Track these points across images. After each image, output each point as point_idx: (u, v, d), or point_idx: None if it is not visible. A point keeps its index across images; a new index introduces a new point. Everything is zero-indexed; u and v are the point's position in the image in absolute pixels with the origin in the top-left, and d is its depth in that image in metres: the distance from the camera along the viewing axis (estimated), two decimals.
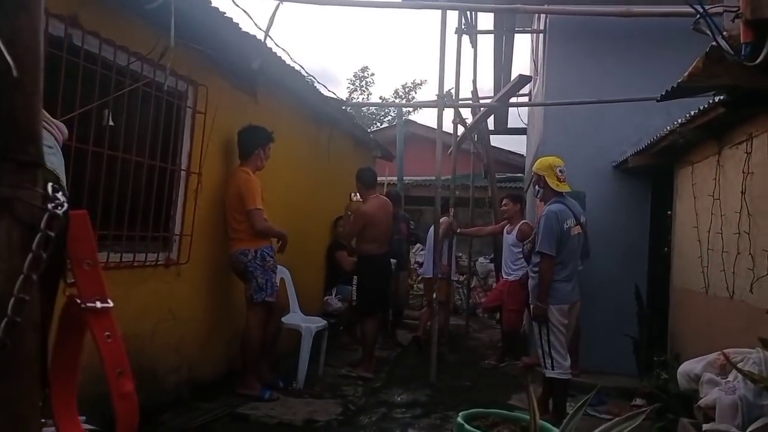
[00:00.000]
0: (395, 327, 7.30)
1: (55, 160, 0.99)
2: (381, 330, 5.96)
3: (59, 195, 0.67)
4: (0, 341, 0.61)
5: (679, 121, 4.42)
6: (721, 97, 3.63)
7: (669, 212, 5.70)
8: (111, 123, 3.35)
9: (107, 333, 0.70)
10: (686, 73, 3.07)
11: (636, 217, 6.19)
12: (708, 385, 2.99)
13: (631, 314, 5.63)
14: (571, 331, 4.46)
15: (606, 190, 6.09)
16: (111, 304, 0.72)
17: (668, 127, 4.71)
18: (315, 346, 5.07)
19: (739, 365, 2.78)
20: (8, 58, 0.61)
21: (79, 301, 0.70)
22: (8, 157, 0.63)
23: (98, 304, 0.70)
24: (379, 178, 10.63)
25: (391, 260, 6.11)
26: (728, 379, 2.89)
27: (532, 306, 4.37)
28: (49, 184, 0.67)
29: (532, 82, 8.01)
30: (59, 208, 0.67)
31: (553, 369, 4.20)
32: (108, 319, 0.71)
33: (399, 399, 4.88)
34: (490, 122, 9.66)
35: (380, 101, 23.61)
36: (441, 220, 5.99)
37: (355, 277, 5.72)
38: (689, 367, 3.27)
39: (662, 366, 4.53)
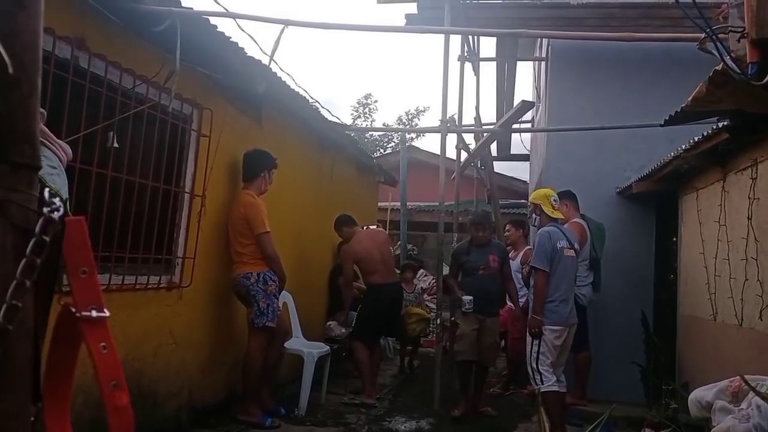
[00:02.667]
0: (413, 355, 7.16)
1: (58, 181, 0.98)
2: (379, 358, 5.86)
3: (55, 200, 0.66)
4: None
5: (683, 147, 4.42)
6: (725, 123, 3.63)
7: (674, 239, 5.65)
8: (116, 145, 3.36)
9: (102, 344, 0.67)
10: (690, 98, 3.07)
11: (641, 243, 6.14)
12: (721, 413, 2.92)
13: (638, 342, 5.54)
14: (565, 355, 4.51)
15: (610, 217, 6.05)
16: (107, 314, 0.69)
17: (672, 153, 4.70)
18: (317, 373, 4.99)
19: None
20: (4, 54, 0.59)
21: (74, 309, 0.68)
22: (3, 158, 0.61)
23: (94, 314, 0.68)
24: (382, 204, 10.66)
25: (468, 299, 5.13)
26: (742, 407, 2.82)
27: (528, 319, 4.53)
28: (46, 189, 0.65)
29: (534, 108, 8.06)
30: (55, 212, 0.65)
31: (542, 383, 4.32)
32: (104, 329, 0.68)
33: (402, 428, 4.77)
34: (493, 148, 9.69)
35: (384, 127, 23.77)
36: (525, 249, 6.09)
37: (360, 305, 5.71)
38: (700, 394, 3.20)
39: (671, 395, 4.44)
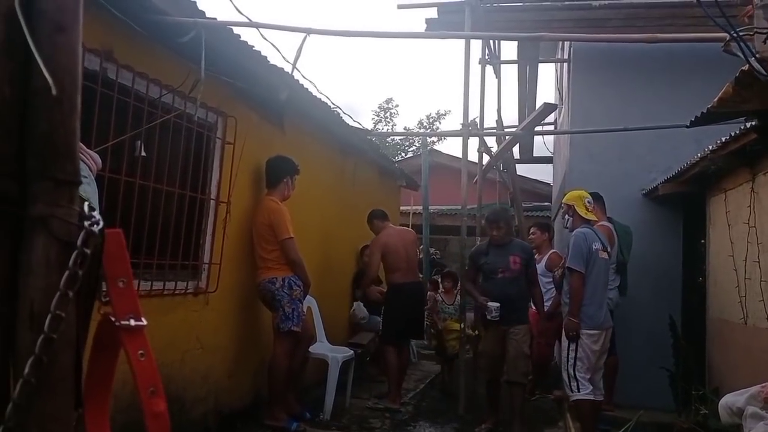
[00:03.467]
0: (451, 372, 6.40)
1: (89, 189, 1.01)
2: (405, 362, 5.82)
3: (95, 213, 0.68)
4: (36, 358, 0.61)
5: (710, 148, 4.35)
6: (753, 123, 3.56)
7: (702, 241, 5.56)
8: (143, 154, 3.43)
9: (140, 351, 0.70)
10: (716, 99, 3.03)
11: (668, 246, 6.05)
12: (752, 419, 2.86)
13: (666, 346, 5.45)
14: (603, 359, 4.39)
15: (636, 219, 5.97)
16: (144, 323, 0.71)
17: (698, 154, 4.63)
18: (342, 377, 5.01)
19: None
20: (48, 76, 0.62)
21: (113, 318, 0.70)
22: (46, 175, 0.64)
23: (132, 322, 0.70)
24: (404, 208, 10.66)
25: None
26: None
27: (564, 322, 4.37)
28: (86, 203, 0.68)
29: (557, 110, 8.00)
30: (95, 225, 0.67)
31: (579, 391, 4.17)
32: (141, 337, 0.71)
33: None
34: (516, 151, 9.64)
35: (405, 131, 23.80)
36: (549, 253, 6.00)
37: (383, 307, 5.70)
38: (731, 400, 3.14)
39: (701, 400, 4.36)
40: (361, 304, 6.19)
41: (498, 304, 4.58)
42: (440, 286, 6.89)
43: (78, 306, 0.69)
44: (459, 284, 6.30)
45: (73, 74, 0.68)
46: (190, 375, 3.80)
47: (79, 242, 0.66)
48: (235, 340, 4.33)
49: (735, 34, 1.93)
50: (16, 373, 0.63)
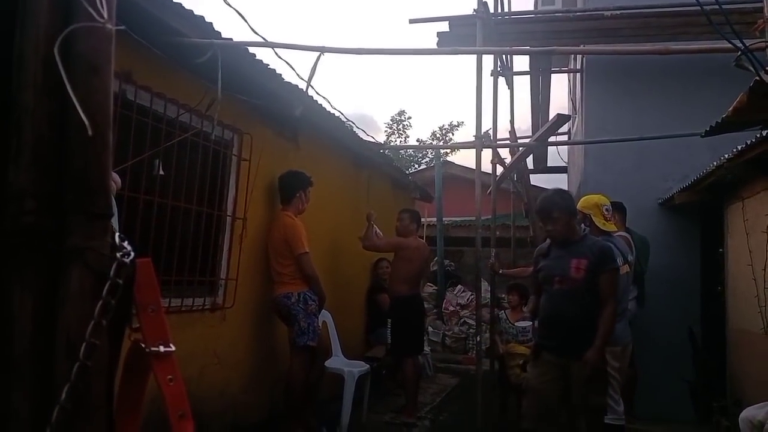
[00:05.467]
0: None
1: None
2: (419, 376, 5.81)
3: (125, 244, 0.71)
4: (72, 385, 0.64)
5: (726, 156, 4.32)
6: None
7: (720, 250, 5.50)
8: (161, 172, 3.49)
9: (170, 376, 0.72)
10: (731, 108, 3.02)
11: (686, 255, 5.99)
12: None
13: (686, 357, 5.39)
14: (624, 375, 4.29)
15: (653, 228, 5.93)
16: (173, 348, 0.74)
17: (714, 163, 4.60)
18: (358, 391, 5.01)
19: None
20: (83, 116, 0.65)
21: (143, 345, 0.73)
22: (81, 209, 0.67)
23: (162, 348, 0.73)
24: None
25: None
26: None
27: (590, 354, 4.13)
28: (117, 234, 0.71)
29: (570, 120, 7.98)
30: (126, 256, 0.70)
31: (606, 414, 4.04)
32: (171, 362, 0.73)
33: None
34: (529, 161, 9.61)
35: (418, 143, 23.85)
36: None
37: (389, 319, 5.57)
38: (751, 413, 3.10)
39: (722, 412, 4.30)
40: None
41: (529, 324, 3.67)
42: (505, 301, 6.26)
43: (110, 333, 0.71)
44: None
45: (105, 113, 0.71)
46: (208, 390, 3.83)
47: (112, 273, 0.69)
48: (252, 354, 4.35)
49: (745, 48, 1.94)
50: (53, 399, 0.66)
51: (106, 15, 0.69)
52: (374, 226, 5.72)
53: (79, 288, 0.68)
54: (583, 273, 3.34)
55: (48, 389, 0.66)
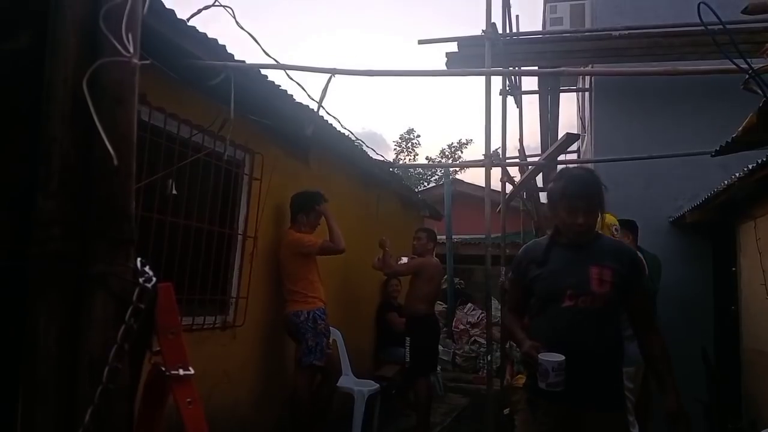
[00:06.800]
0: None
1: None
2: (431, 396, 5.77)
3: (147, 269, 0.73)
4: (95, 407, 0.65)
5: (737, 174, 4.31)
6: None
7: (733, 269, 5.46)
8: (174, 192, 3.53)
9: (188, 399, 0.74)
10: (740, 129, 3.02)
11: (698, 274, 5.94)
12: None
13: (700, 377, 5.32)
14: (637, 395, 4.23)
15: (664, 247, 5.89)
16: (192, 372, 0.76)
17: (726, 181, 4.58)
18: (368, 411, 4.98)
19: None
20: (109, 146, 0.68)
21: (163, 368, 0.75)
22: (105, 235, 0.69)
23: (181, 372, 0.75)
24: None
25: None
26: None
27: None
28: (138, 259, 0.73)
29: (580, 139, 8.00)
30: (148, 282, 0.72)
31: None
32: (189, 385, 0.75)
33: None
34: (539, 179, 9.61)
35: (427, 161, 23.94)
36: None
37: (408, 338, 5.62)
38: None
39: None
40: (405, 259, 6.02)
41: (561, 359, 2.21)
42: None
43: (131, 357, 0.73)
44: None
45: (129, 142, 0.74)
46: (219, 409, 3.82)
47: (134, 298, 0.71)
48: (262, 372, 4.35)
49: (753, 72, 1.95)
50: (77, 420, 0.67)
51: (132, 49, 0.72)
52: (388, 252, 5.72)
53: (103, 312, 0.70)
54: (609, 287, 2.37)
55: (71, 411, 0.68)
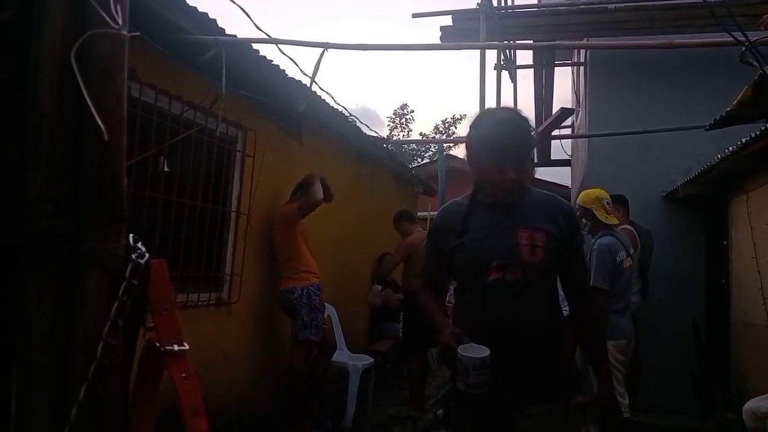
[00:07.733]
0: None
1: None
2: (425, 370, 5.82)
3: (140, 245, 0.73)
4: (89, 384, 0.66)
5: (730, 148, 4.31)
6: None
7: (724, 242, 5.50)
8: (166, 169, 3.51)
9: (183, 374, 0.74)
10: (735, 102, 3.02)
11: (690, 248, 5.99)
12: None
13: (690, 349, 5.40)
14: (627, 368, 4.30)
15: (656, 221, 5.93)
16: (187, 347, 0.76)
17: (719, 155, 4.59)
18: (362, 385, 5.04)
19: None
20: (99, 121, 0.67)
21: (157, 344, 0.75)
22: (97, 212, 0.68)
23: (175, 347, 0.75)
24: (421, 214, 10.67)
25: None
26: None
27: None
28: (131, 235, 0.73)
29: (574, 113, 7.97)
30: (141, 257, 0.72)
31: None
32: (184, 361, 0.75)
33: None
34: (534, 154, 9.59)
35: (421, 137, 23.85)
36: None
37: (402, 313, 5.67)
38: (755, 405, 3.12)
39: (726, 404, 4.32)
40: (379, 288, 6.15)
41: (484, 355, 1.74)
42: None
43: (125, 333, 0.73)
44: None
45: (119, 117, 0.73)
46: (215, 385, 3.85)
47: (127, 274, 0.71)
48: (258, 349, 4.39)
49: (749, 44, 1.94)
50: (72, 398, 0.67)
51: (120, 21, 0.71)
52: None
53: (96, 289, 0.69)
54: (542, 253, 1.91)
55: (66, 388, 0.68)
